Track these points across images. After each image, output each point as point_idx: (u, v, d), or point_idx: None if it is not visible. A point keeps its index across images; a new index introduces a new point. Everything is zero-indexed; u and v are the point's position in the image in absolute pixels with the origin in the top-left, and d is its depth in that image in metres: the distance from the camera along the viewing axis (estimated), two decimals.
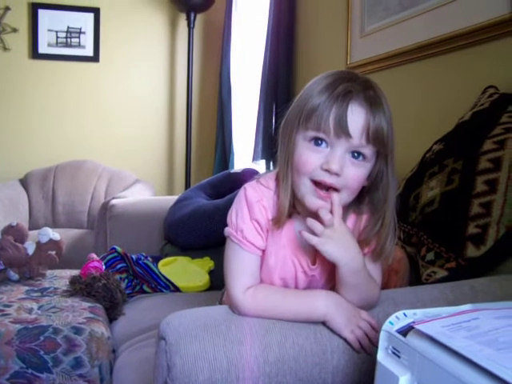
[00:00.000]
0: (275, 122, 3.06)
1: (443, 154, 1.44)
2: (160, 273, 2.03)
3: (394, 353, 0.73)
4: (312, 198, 0.96)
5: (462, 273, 1.22)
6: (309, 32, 2.92)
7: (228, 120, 3.72)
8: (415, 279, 1.35)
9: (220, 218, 2.13)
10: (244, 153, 3.71)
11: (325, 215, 0.93)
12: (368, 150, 0.95)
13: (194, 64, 4.03)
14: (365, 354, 0.93)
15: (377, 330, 0.93)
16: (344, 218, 1.01)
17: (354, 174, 0.95)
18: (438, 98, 1.90)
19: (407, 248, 1.43)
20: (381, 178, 0.99)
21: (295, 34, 3.03)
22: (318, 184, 0.96)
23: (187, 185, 3.93)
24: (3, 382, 1.40)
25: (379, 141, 0.94)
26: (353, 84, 0.94)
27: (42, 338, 1.47)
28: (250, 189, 1.04)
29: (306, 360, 0.90)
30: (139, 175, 3.96)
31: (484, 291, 1.08)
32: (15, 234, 2.06)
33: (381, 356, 0.75)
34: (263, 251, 1.04)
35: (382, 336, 0.75)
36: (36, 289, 1.89)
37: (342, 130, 0.92)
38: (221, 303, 1.35)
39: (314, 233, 0.94)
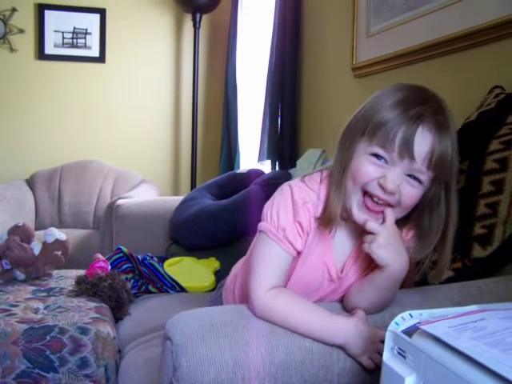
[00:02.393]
0: (281, 123, 3.06)
1: None
2: (166, 273, 2.03)
3: (399, 353, 0.72)
4: (359, 211, 0.97)
5: (468, 273, 1.21)
6: (314, 32, 2.92)
7: (234, 120, 3.72)
8: (421, 280, 1.35)
9: (226, 218, 2.13)
10: (250, 153, 3.71)
11: (373, 227, 0.94)
12: (425, 176, 0.95)
13: (199, 64, 4.03)
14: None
15: None
16: None
17: (410, 192, 0.95)
18: (448, 98, 1.88)
19: None
20: (437, 203, 0.99)
21: (301, 33, 3.03)
22: (369, 195, 0.96)
23: (193, 185, 3.94)
24: (10, 381, 1.41)
25: (440, 167, 0.94)
26: (426, 107, 0.93)
27: (48, 338, 1.48)
28: (296, 189, 1.03)
29: (312, 362, 0.90)
30: (145, 175, 3.96)
31: (490, 292, 1.07)
32: (21, 234, 2.07)
33: (386, 357, 0.74)
34: (298, 253, 1.03)
35: (388, 336, 0.75)
36: (42, 289, 1.90)
37: (408, 152, 0.91)
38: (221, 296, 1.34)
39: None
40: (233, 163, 3.67)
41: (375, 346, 0.93)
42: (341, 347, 0.93)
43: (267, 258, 1.00)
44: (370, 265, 1.03)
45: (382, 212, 0.96)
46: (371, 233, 0.95)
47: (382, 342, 0.92)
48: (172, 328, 0.91)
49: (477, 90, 1.63)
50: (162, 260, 2.17)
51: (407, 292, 1.14)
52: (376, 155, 0.95)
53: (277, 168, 3.02)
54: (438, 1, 1.87)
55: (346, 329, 0.93)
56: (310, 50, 2.97)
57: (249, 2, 3.78)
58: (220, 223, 2.16)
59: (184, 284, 2.02)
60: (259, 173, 2.55)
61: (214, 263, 2.17)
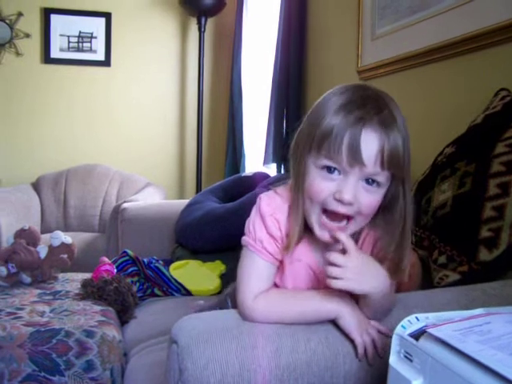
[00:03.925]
0: (286, 126, 3.06)
1: (455, 156, 1.44)
2: (171, 276, 2.03)
3: (406, 357, 0.72)
4: (321, 230, 0.95)
5: (475, 276, 1.21)
6: (320, 35, 2.92)
7: (239, 123, 3.73)
8: (427, 282, 1.34)
9: (231, 221, 2.14)
10: (255, 156, 3.71)
11: (337, 260, 0.89)
12: (382, 177, 0.92)
13: (204, 68, 4.04)
14: (366, 362, 0.92)
15: (387, 335, 0.92)
16: (357, 237, 1.01)
17: (368, 200, 0.93)
18: (448, 101, 1.89)
19: (419, 251, 1.43)
20: (396, 198, 0.97)
21: (306, 37, 3.03)
22: (329, 212, 0.94)
23: (198, 188, 3.94)
24: None
25: (394, 164, 0.91)
26: (365, 109, 0.90)
27: (54, 341, 1.48)
28: (264, 200, 1.02)
29: (318, 364, 0.90)
30: (150, 179, 3.97)
31: (497, 295, 1.07)
32: (28, 237, 2.07)
33: (393, 360, 0.74)
34: (280, 262, 1.03)
35: (395, 340, 0.75)
36: (48, 292, 1.91)
37: (356, 159, 0.89)
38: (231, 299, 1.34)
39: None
40: (238, 166, 3.67)
41: (365, 324, 0.93)
42: (335, 320, 0.94)
43: (251, 269, 1.00)
44: None
45: (343, 227, 0.95)
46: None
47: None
48: (178, 331, 0.91)
49: (482, 93, 1.63)
50: (167, 263, 2.18)
51: (413, 295, 1.14)
52: (327, 168, 0.92)
53: (282, 171, 3.02)
54: (443, 4, 1.87)
55: (338, 298, 0.94)
56: (315, 52, 2.97)
57: (254, 5, 3.79)
58: (225, 226, 2.16)
59: (189, 287, 2.02)
60: (265, 176, 2.55)
61: (219, 266, 2.17)
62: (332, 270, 0.89)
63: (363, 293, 0.92)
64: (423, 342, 0.69)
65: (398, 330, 0.75)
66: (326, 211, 0.95)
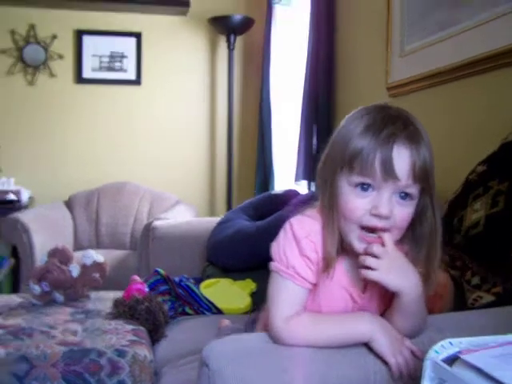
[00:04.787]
0: (316, 143, 3.06)
1: (487, 175, 1.42)
2: (202, 295, 2.04)
3: (439, 383, 0.71)
4: (361, 244, 0.96)
5: (510, 298, 1.19)
6: (348, 52, 2.92)
7: (268, 141, 3.74)
8: (460, 303, 1.32)
9: (262, 239, 2.13)
10: (285, 173, 3.71)
11: (376, 249, 0.92)
12: (414, 189, 0.94)
13: (234, 85, 4.06)
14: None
15: (420, 358, 0.91)
16: None
17: (403, 214, 0.95)
18: (476, 119, 1.87)
19: (451, 271, 1.41)
20: (425, 212, 0.98)
21: (334, 54, 3.03)
22: (366, 228, 0.95)
23: (229, 206, 3.95)
24: None
25: (424, 177, 0.93)
26: (395, 126, 0.92)
27: (86, 361, 1.49)
28: (296, 224, 1.02)
29: None
30: (181, 197, 3.99)
31: None
32: (61, 256, 2.10)
33: None
34: (314, 284, 1.02)
35: (427, 365, 0.73)
36: (80, 311, 1.92)
37: (390, 174, 0.91)
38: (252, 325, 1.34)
39: (369, 268, 0.93)
40: (268, 184, 3.67)
41: (399, 345, 0.93)
42: (368, 343, 0.94)
43: (282, 293, 1.00)
44: None
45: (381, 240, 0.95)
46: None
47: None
48: (209, 354, 0.91)
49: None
50: (198, 281, 2.18)
51: (446, 317, 1.12)
52: (361, 186, 0.94)
53: (312, 188, 3.02)
54: (472, 20, 1.85)
55: (370, 319, 0.96)
56: (344, 70, 2.97)
57: (282, 22, 3.81)
58: (256, 245, 2.16)
59: (220, 306, 2.02)
60: (295, 193, 2.55)
61: (250, 285, 2.17)
62: (369, 260, 0.93)
63: (394, 288, 0.94)
64: (457, 369, 0.68)
65: (431, 354, 0.73)
66: (363, 228, 0.96)
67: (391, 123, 0.93)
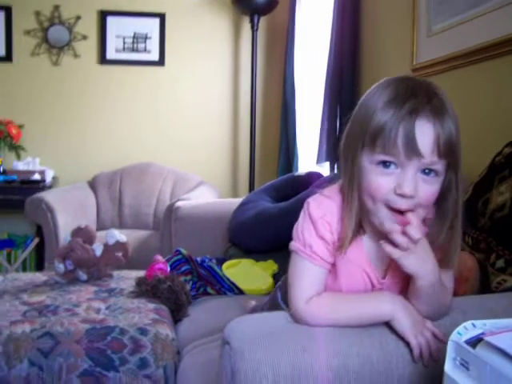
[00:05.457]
0: (339, 124, 3.03)
1: None
2: (224, 275, 2.04)
3: (462, 364, 0.70)
4: (391, 225, 0.92)
5: None
6: (373, 32, 2.88)
7: (292, 122, 3.71)
8: (484, 286, 1.31)
9: (284, 221, 2.13)
10: (308, 155, 3.69)
11: (401, 241, 0.90)
12: (440, 166, 0.91)
13: (257, 66, 4.04)
14: (421, 364, 0.91)
15: (441, 340, 0.90)
16: None
17: (428, 191, 0.92)
18: (510, 99, 1.82)
19: (476, 254, 1.39)
20: (449, 188, 0.95)
21: (359, 34, 2.99)
22: (392, 209, 0.93)
23: (251, 187, 3.95)
24: (74, 378, 1.45)
25: (450, 152, 0.90)
26: (416, 99, 0.89)
27: (109, 338, 1.51)
28: (312, 204, 1.02)
29: (371, 369, 0.89)
30: (203, 178, 4.00)
31: None
32: (84, 235, 2.12)
33: (448, 367, 0.72)
34: (332, 264, 1.02)
35: (450, 346, 0.73)
36: (104, 289, 1.94)
37: (413, 151, 0.88)
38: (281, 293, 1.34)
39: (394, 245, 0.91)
40: (291, 165, 3.65)
41: (421, 326, 0.93)
42: (389, 322, 0.93)
43: (301, 273, 1.00)
44: None
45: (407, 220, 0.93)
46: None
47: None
48: (231, 333, 0.91)
49: None
50: (220, 262, 2.19)
51: (469, 299, 1.11)
52: (383, 163, 0.91)
53: (335, 170, 3.00)
54: None
55: (392, 298, 0.95)
56: (368, 50, 2.93)
57: (307, 3, 3.77)
58: (278, 226, 2.16)
59: (242, 286, 2.02)
60: (318, 175, 2.53)
61: (272, 266, 2.17)
62: (401, 239, 0.90)
63: (411, 271, 0.93)
64: (480, 350, 0.67)
65: (454, 336, 0.72)
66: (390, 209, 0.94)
67: (414, 96, 0.89)
